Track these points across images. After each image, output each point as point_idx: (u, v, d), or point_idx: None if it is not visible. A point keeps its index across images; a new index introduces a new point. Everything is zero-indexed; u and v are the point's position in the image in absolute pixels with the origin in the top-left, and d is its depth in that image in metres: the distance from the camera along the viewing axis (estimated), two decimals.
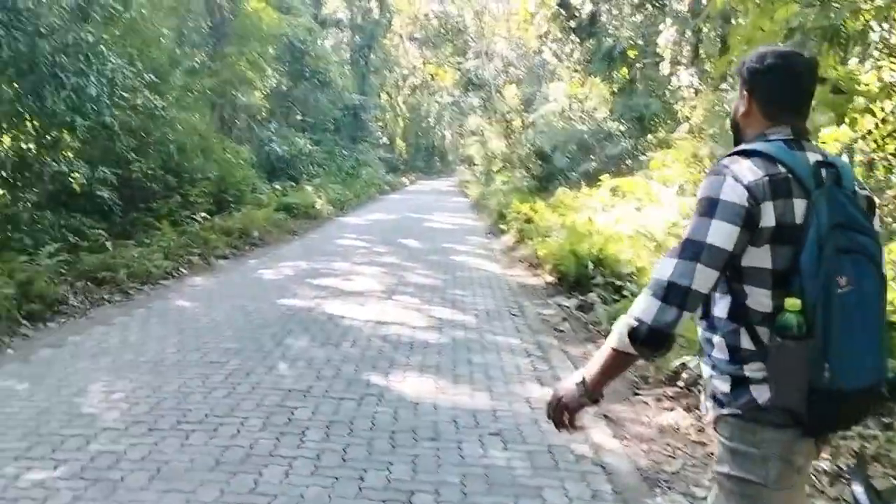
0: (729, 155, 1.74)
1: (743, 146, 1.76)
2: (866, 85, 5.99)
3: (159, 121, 11.78)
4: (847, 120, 5.79)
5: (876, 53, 5.60)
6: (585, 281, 8.40)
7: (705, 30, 19.94)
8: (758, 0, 5.51)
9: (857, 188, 1.73)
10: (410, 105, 51.22)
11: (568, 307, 7.71)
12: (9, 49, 7.89)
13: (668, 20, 20.29)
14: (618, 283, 7.97)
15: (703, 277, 1.63)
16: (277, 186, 18.62)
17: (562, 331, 6.85)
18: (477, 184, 30.46)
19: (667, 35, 20.29)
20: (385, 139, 43.59)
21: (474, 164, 35.00)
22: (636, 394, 4.91)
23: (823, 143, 6.74)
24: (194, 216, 11.81)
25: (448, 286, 9.11)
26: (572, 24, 21.51)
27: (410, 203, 25.11)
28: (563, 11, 21.37)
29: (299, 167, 22.12)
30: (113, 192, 10.28)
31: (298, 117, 26.40)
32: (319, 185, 21.11)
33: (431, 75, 45.26)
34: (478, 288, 9.10)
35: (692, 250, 1.64)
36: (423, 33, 42.08)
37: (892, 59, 5.63)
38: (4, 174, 9.58)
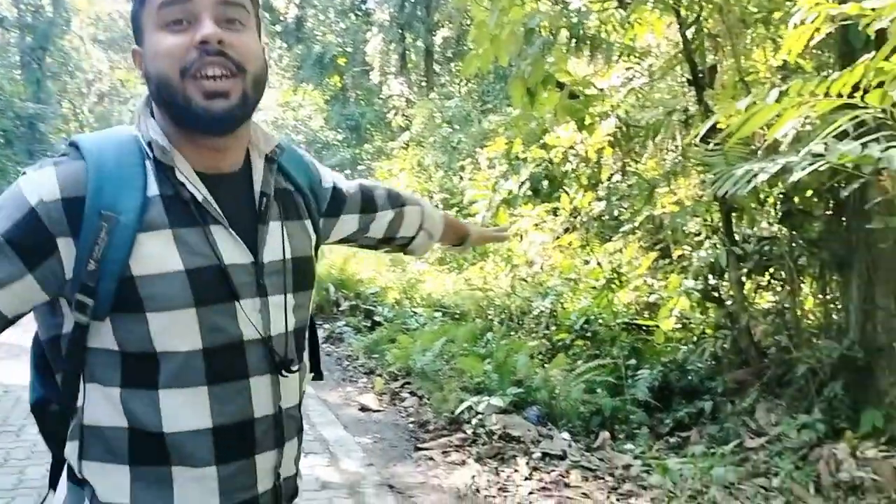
0: None
1: None
2: (602, 90, 5.95)
3: None
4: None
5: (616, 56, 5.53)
6: (329, 308, 7.53)
7: (409, 39, 20.30)
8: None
9: None
10: (99, 114, 45.88)
11: None
12: None
13: (375, 28, 20.21)
14: (365, 306, 7.25)
15: None
16: None
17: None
18: None
19: (374, 44, 20.19)
20: None
21: None
22: (418, 448, 4.18)
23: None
24: None
25: None
26: (278, 28, 20.58)
27: None
28: (267, 15, 20.31)
29: None
30: None
31: None
32: None
33: (121, 81, 40.83)
34: None
35: None
36: (109, 35, 37.80)
37: (632, 60, 5.62)
38: None
